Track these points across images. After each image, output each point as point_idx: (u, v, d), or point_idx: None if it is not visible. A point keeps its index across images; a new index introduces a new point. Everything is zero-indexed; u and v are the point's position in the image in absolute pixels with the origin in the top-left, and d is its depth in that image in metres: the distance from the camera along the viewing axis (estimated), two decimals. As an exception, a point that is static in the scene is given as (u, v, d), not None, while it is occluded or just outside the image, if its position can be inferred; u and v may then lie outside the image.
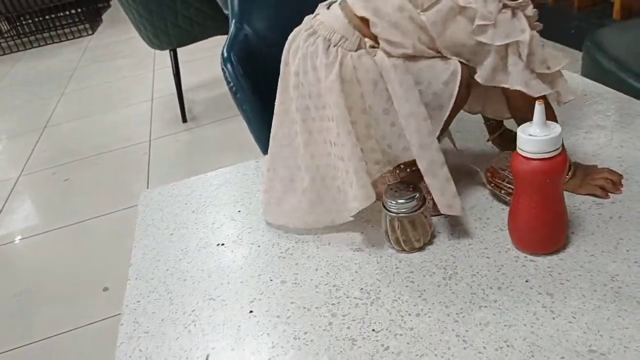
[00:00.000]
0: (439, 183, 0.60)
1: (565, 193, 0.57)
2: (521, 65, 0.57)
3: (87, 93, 3.47)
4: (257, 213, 0.76)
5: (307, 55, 0.63)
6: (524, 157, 0.52)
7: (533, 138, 0.51)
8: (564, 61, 0.59)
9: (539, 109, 0.51)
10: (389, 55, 0.59)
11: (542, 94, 0.57)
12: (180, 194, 0.87)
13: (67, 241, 1.88)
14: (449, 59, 0.60)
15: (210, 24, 2.36)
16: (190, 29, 2.33)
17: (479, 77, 0.59)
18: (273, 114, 0.73)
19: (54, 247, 1.88)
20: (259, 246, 0.69)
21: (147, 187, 2.07)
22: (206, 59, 3.14)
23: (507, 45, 0.56)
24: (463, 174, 0.72)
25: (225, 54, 1.08)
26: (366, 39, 0.61)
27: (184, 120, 2.59)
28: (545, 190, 0.54)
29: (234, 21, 1.23)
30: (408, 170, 0.67)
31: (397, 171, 0.67)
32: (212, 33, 2.41)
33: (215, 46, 2.38)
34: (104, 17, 5.62)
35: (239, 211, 0.78)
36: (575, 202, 0.62)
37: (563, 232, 0.57)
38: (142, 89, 3.23)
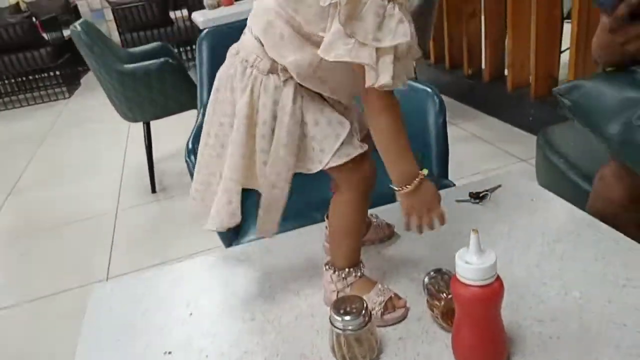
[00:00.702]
0: (269, 217, 0.69)
1: (506, 314, 0.58)
2: (340, 31, 0.57)
3: (58, 158, 3.44)
4: (209, 316, 0.75)
5: (228, 75, 0.67)
6: (462, 282, 0.54)
7: (469, 266, 0.53)
8: (403, 38, 0.57)
9: (473, 238, 0.54)
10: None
11: (363, 63, 0.57)
12: (133, 291, 0.85)
13: (18, 320, 1.80)
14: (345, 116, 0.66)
15: (185, 97, 2.41)
16: (165, 104, 2.38)
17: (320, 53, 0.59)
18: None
19: (3, 325, 1.79)
20: (207, 356, 0.67)
21: (109, 263, 2.02)
22: (180, 128, 3.18)
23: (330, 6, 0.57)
24: (409, 280, 0.74)
25: (190, 146, 1.11)
26: (279, 67, 0.64)
27: (153, 191, 2.58)
28: (484, 313, 0.56)
29: (202, 110, 1.27)
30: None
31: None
32: (186, 107, 2.47)
33: (191, 116, 2.44)
34: (82, 80, 5.70)
35: (191, 314, 0.77)
36: (518, 318, 0.64)
37: (503, 351, 0.58)
38: (114, 156, 3.23)
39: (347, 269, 0.71)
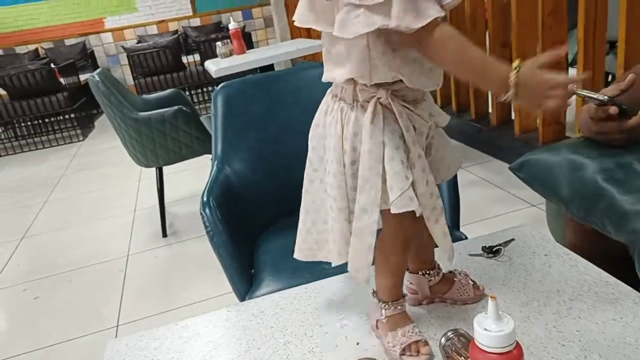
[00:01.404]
0: (361, 247, 0.68)
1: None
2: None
3: (71, 202, 3.49)
4: (223, 377, 0.75)
5: (321, 111, 0.73)
6: (481, 349, 0.54)
7: (489, 333, 0.53)
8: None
9: (491, 305, 0.54)
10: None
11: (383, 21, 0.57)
12: (147, 347, 0.85)
13: (29, 368, 1.79)
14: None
15: (198, 145, 2.46)
16: (178, 150, 2.43)
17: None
18: (247, 261, 0.77)
19: (13, 374, 1.77)
20: (222, 419, 0.67)
21: (120, 310, 2.01)
22: (192, 172, 3.22)
23: None
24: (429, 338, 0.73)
25: (205, 198, 1.13)
26: (358, 87, 0.66)
27: (164, 235, 2.59)
28: (504, 380, 0.55)
29: (216, 162, 1.30)
30: None
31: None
32: (199, 153, 2.51)
33: (202, 159, 2.48)
34: (96, 122, 5.84)
35: (205, 374, 0.76)
36: (537, 382, 0.63)
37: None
38: (125, 199, 3.26)
39: (387, 302, 0.74)
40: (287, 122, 1.41)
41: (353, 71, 0.64)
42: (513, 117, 2.69)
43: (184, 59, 5.62)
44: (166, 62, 5.33)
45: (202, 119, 2.53)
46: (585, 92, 0.80)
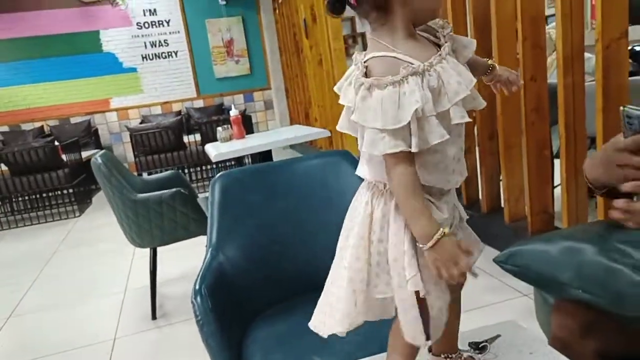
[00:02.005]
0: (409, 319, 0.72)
1: None
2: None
3: (62, 279, 3.45)
4: None
5: (356, 197, 0.79)
6: None
7: None
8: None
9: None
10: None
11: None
12: None
13: None
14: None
15: (194, 226, 2.50)
16: (174, 232, 2.46)
17: None
18: (236, 351, 0.78)
19: None
20: None
21: (103, 397, 1.94)
22: (186, 251, 3.23)
23: None
24: None
25: (197, 286, 1.15)
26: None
27: (154, 317, 2.55)
28: None
29: (210, 249, 1.33)
30: None
31: None
32: (194, 234, 2.54)
33: (197, 238, 2.50)
34: (94, 198, 5.89)
35: None
36: None
37: None
38: (117, 278, 3.23)
39: None
40: (283, 210, 1.46)
41: (374, 175, 0.74)
42: (503, 204, 2.76)
43: (185, 139, 5.80)
44: (168, 142, 5.50)
45: (200, 199, 2.59)
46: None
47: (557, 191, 2.51)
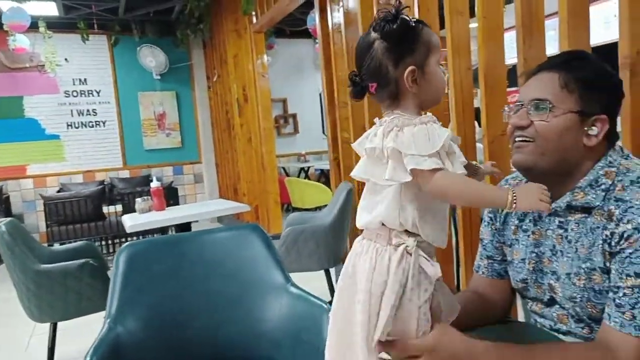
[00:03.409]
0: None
1: None
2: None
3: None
4: None
5: (355, 253, 0.85)
6: None
7: None
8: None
9: None
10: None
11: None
12: None
13: None
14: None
15: (102, 299, 2.40)
16: (78, 304, 2.34)
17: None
18: None
19: None
20: None
21: None
22: (88, 328, 3.04)
23: None
24: None
25: (88, 359, 1.13)
26: (393, 233, 0.81)
27: (47, 401, 2.34)
28: None
29: (108, 321, 1.31)
30: None
31: None
32: (101, 308, 2.43)
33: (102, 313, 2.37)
34: (-4, 271, 5.43)
35: None
36: None
37: None
38: (12, 357, 2.95)
39: None
40: (189, 281, 1.48)
41: (384, 214, 0.81)
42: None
43: (106, 209, 5.61)
44: (85, 212, 5.29)
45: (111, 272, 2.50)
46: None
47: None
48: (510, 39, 1.96)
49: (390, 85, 0.83)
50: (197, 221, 2.84)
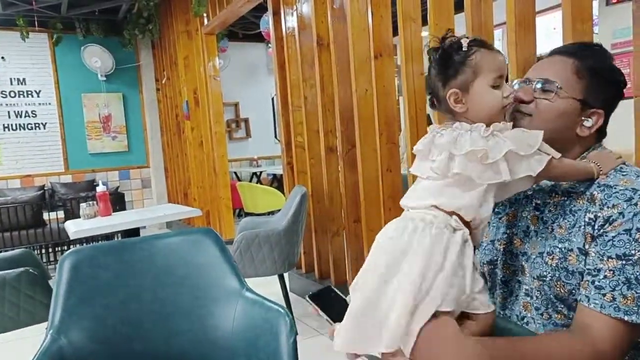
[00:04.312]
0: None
1: None
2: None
3: None
4: None
5: (401, 227, 0.85)
6: None
7: None
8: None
9: None
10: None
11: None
12: None
13: None
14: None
15: (41, 310, 2.26)
16: (16, 317, 2.19)
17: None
18: None
19: None
20: None
21: None
22: (27, 343, 2.86)
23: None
24: None
25: (29, 374, 1.05)
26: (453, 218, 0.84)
27: (-20, 421, 2.17)
28: None
29: (50, 332, 1.24)
30: None
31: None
32: (41, 320, 2.28)
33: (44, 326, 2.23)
34: None
35: None
36: None
37: None
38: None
39: None
40: (137, 289, 1.42)
41: (466, 206, 0.85)
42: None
43: (46, 216, 5.32)
44: (23, 219, 5.00)
45: (53, 282, 2.36)
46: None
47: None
48: (460, 47, 2.01)
49: (442, 104, 0.93)
50: (145, 227, 2.74)
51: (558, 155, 0.90)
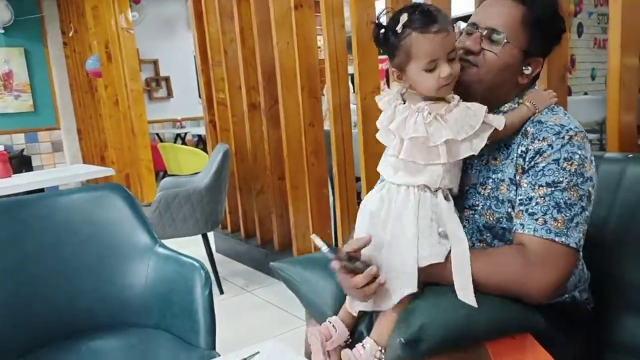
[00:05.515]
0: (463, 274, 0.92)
1: None
2: None
3: None
4: None
5: (385, 197, 1.00)
6: None
7: None
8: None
9: None
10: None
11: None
12: None
13: None
14: None
15: None
16: None
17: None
18: None
19: None
20: None
21: None
22: None
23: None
24: None
25: None
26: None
27: None
28: None
29: None
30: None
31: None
32: None
33: None
34: None
35: None
36: None
37: None
38: None
39: None
40: (36, 249, 1.31)
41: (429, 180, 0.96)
42: (293, 241, 2.92)
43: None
44: None
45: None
46: (319, 241, 0.92)
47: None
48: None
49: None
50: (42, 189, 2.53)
51: (502, 125, 0.95)
